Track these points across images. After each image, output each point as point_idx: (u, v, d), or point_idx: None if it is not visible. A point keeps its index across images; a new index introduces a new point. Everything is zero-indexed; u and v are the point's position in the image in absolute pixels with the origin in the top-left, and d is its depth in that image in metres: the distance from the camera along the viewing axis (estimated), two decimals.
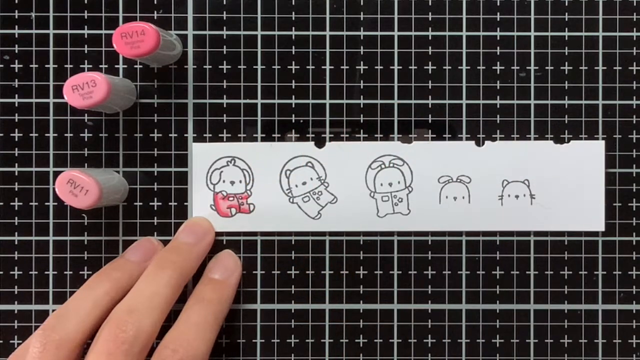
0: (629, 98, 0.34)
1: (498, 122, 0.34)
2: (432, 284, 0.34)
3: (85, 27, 0.34)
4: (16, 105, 0.34)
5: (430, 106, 0.34)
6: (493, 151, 0.34)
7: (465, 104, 0.34)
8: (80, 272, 0.34)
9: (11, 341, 0.34)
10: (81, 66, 0.34)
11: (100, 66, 0.34)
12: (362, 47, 0.34)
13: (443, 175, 0.34)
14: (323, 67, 0.34)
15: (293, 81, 0.34)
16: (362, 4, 0.34)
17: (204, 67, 0.34)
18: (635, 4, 0.34)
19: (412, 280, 0.34)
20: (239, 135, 0.34)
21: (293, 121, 0.34)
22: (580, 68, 0.34)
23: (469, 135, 0.34)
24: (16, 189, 0.34)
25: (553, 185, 0.34)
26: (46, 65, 0.34)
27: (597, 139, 0.34)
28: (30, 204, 0.34)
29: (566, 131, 0.34)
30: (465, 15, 0.34)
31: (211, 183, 0.34)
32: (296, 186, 0.34)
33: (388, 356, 0.34)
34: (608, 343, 0.34)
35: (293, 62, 0.34)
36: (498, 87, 0.34)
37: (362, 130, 0.34)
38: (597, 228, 0.34)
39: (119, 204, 0.34)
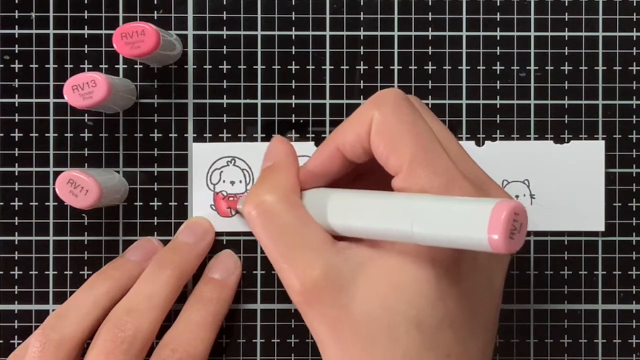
0: (629, 98, 0.34)
1: (498, 122, 0.34)
2: None
3: (85, 27, 0.34)
4: (16, 105, 0.34)
5: (430, 106, 0.34)
6: (493, 151, 0.34)
7: (465, 104, 0.34)
8: (80, 272, 0.34)
9: (11, 341, 0.34)
10: (81, 66, 0.34)
11: (100, 66, 0.34)
12: (362, 47, 0.34)
13: None
14: (323, 67, 0.34)
15: (293, 81, 0.34)
16: (362, 4, 0.34)
17: (204, 67, 0.34)
18: (635, 4, 0.34)
19: None
20: (239, 135, 0.34)
21: (293, 121, 0.34)
22: (580, 68, 0.34)
23: (469, 135, 0.34)
24: (16, 189, 0.34)
25: (553, 185, 0.34)
26: (46, 65, 0.34)
27: (597, 139, 0.34)
28: (30, 204, 0.34)
29: (566, 131, 0.34)
30: (465, 15, 0.34)
31: (211, 183, 0.34)
32: None
33: None
34: (608, 343, 0.34)
35: (293, 62, 0.34)
36: (498, 87, 0.34)
37: None
38: (597, 228, 0.34)
39: (119, 204, 0.34)
